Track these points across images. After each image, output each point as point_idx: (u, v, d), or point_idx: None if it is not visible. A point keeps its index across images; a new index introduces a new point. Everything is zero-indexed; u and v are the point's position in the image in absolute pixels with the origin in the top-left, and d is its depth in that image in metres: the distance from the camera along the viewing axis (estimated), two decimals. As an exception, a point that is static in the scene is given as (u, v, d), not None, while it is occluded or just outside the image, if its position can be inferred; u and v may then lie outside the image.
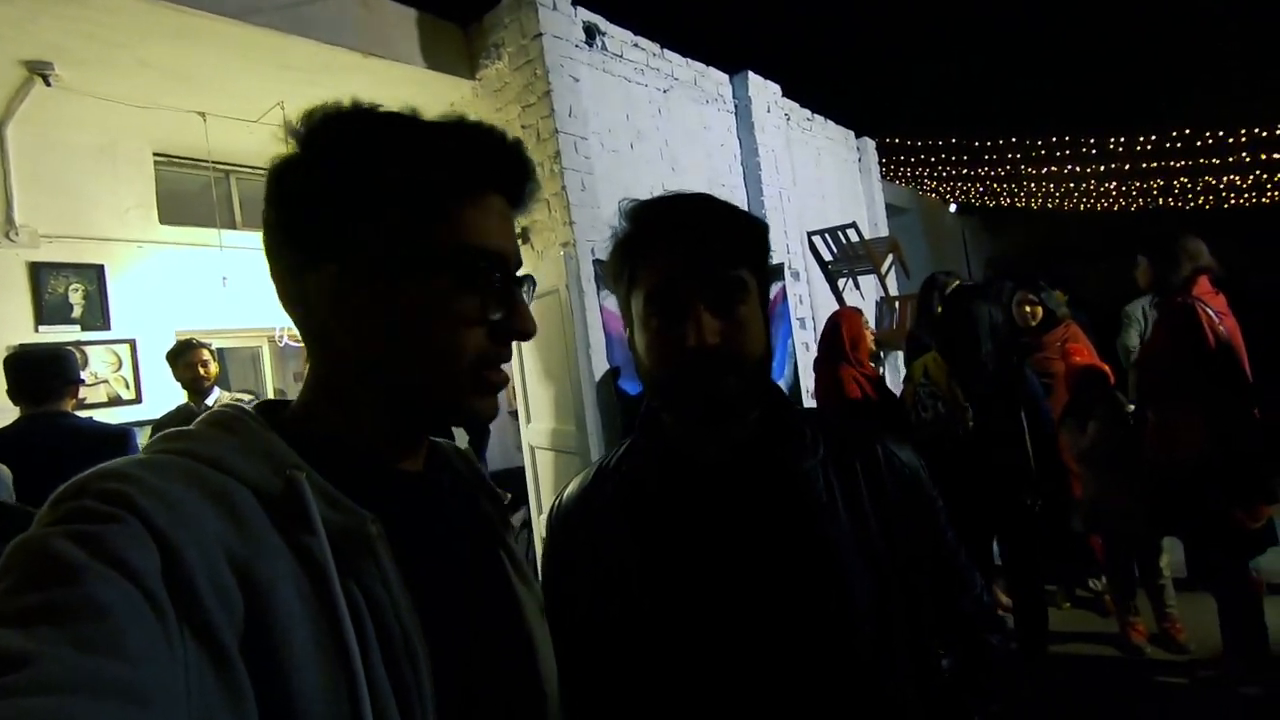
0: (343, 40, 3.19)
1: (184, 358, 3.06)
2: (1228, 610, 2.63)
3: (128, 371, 3.83)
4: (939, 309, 3.25)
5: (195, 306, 4.07)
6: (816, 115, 6.27)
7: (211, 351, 3.14)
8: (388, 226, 0.59)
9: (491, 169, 0.64)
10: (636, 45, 4.19)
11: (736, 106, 5.02)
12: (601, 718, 0.83)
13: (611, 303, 3.39)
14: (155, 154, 4.05)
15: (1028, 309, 3.50)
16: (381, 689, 0.49)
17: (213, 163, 4.15)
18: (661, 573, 0.81)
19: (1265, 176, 8.99)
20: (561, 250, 3.27)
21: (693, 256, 0.80)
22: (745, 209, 0.92)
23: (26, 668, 0.34)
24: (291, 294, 0.61)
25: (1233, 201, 9.85)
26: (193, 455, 0.50)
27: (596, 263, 3.34)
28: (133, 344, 3.85)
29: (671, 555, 0.81)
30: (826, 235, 5.71)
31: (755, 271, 0.85)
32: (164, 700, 0.37)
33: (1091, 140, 8.74)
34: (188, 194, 4.27)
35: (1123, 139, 8.67)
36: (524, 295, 0.66)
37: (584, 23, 3.77)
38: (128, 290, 3.85)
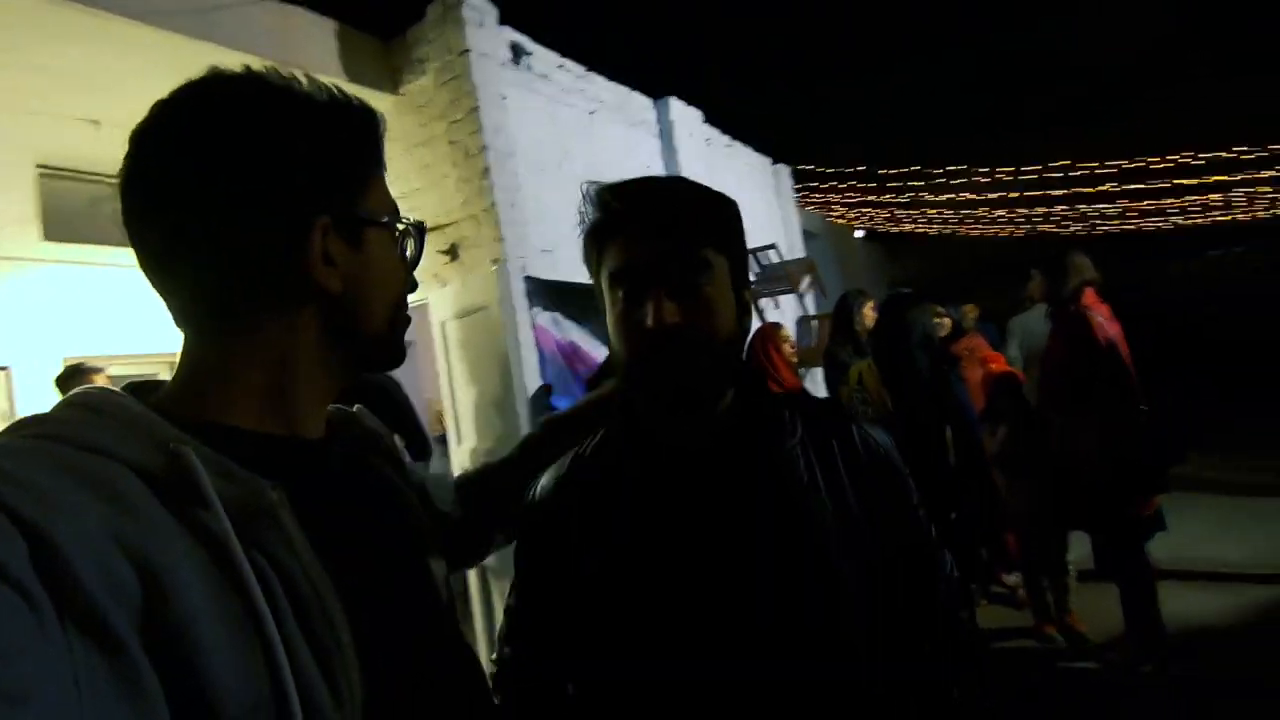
0: (253, 47, 3.06)
1: (74, 383, 2.79)
2: (1128, 597, 2.83)
3: (2, 401, 3.47)
4: (868, 321, 3.41)
5: (86, 330, 3.74)
6: (736, 141, 6.50)
7: (108, 377, 2.88)
8: (343, 179, 0.62)
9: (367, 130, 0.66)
10: (562, 67, 4.22)
11: (661, 131, 5.13)
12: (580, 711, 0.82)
13: (545, 319, 3.36)
14: (39, 165, 3.73)
15: (937, 321, 3.73)
16: (301, 656, 0.48)
17: (106, 175, 3.86)
18: (645, 563, 0.80)
19: (1128, 204, 10.02)
20: (493, 267, 3.22)
21: (652, 237, 0.80)
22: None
23: None
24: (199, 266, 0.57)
25: (1100, 229, 10.90)
26: (58, 439, 0.47)
27: (528, 280, 3.31)
28: (7, 371, 3.49)
29: (654, 544, 0.80)
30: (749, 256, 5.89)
31: (723, 250, 0.83)
32: (44, 695, 0.36)
33: (984, 170, 9.47)
34: (77, 209, 3.94)
35: (1009, 170, 9.45)
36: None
37: (510, 42, 3.77)
38: (2, 313, 3.50)
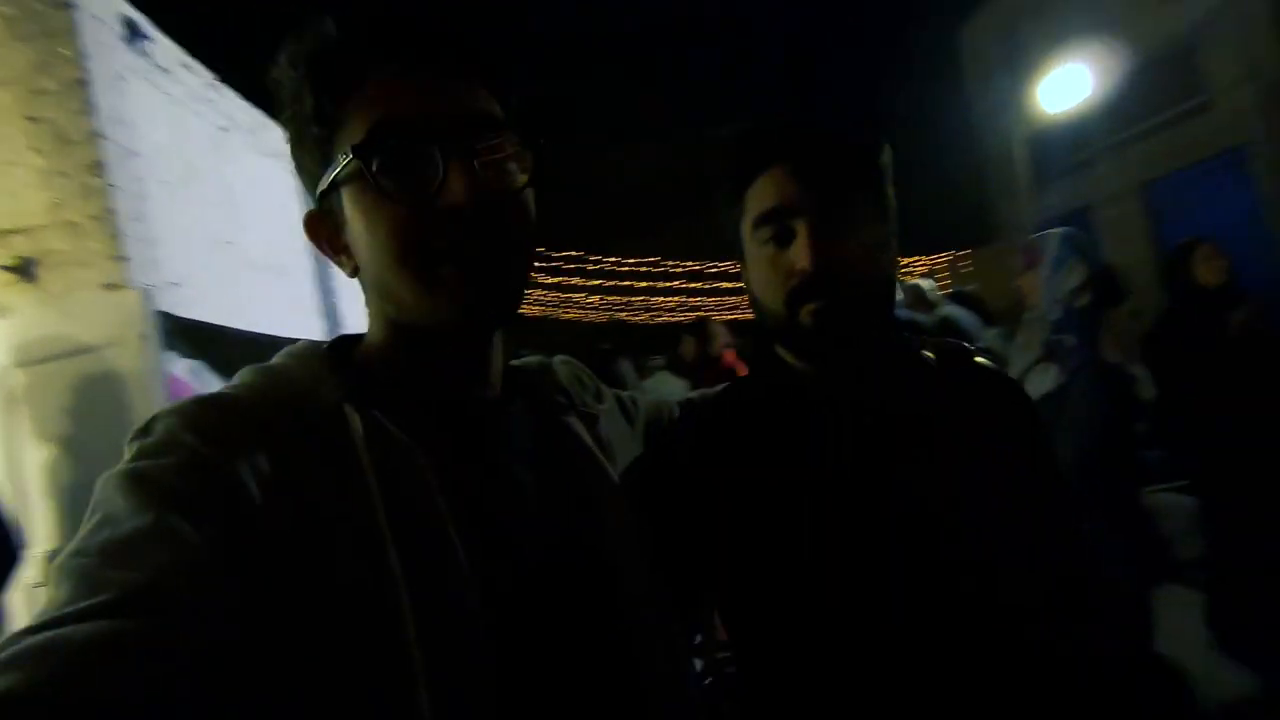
0: None
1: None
2: None
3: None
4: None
5: None
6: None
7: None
8: (311, 149, 0.60)
9: (359, 38, 0.58)
10: (188, 68, 3.43)
11: (301, 168, 4.51)
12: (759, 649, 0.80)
13: (182, 369, 2.55)
14: None
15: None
16: (422, 605, 0.51)
17: None
18: (816, 505, 0.76)
19: (694, 300, 12.66)
20: (109, 295, 2.34)
21: (803, 172, 0.75)
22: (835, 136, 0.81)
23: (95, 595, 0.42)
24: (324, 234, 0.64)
25: (667, 318, 13.45)
26: (258, 388, 0.57)
27: (161, 316, 2.49)
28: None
29: (827, 487, 0.76)
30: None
31: (876, 191, 0.80)
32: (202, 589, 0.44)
33: (582, 255, 10.86)
34: None
35: (602, 260, 11.04)
36: (471, 157, 0.57)
37: (123, 15, 2.92)
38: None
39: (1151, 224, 8.41)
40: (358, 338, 0.67)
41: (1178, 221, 7.58)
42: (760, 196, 0.79)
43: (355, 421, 0.56)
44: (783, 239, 0.77)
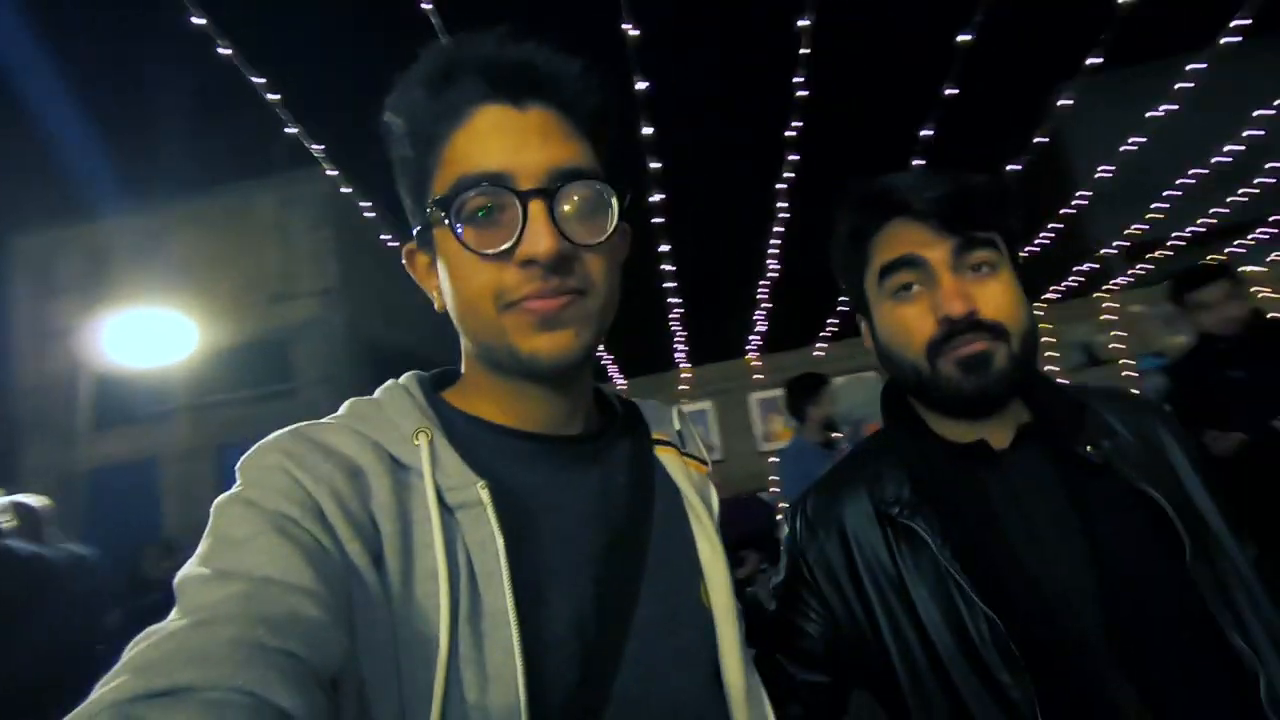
0: None
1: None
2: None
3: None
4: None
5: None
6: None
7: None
8: (411, 193, 0.65)
9: (456, 83, 0.61)
10: None
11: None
12: None
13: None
14: None
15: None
16: (467, 658, 0.55)
17: None
18: (991, 576, 0.73)
19: None
20: None
21: (938, 216, 0.74)
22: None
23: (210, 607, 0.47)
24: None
25: None
26: (343, 423, 0.62)
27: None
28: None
29: (998, 557, 0.74)
30: None
31: (1005, 236, 0.78)
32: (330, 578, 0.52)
33: None
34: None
35: None
36: (556, 207, 0.59)
37: None
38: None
39: (220, 482, 8.31)
40: (456, 373, 0.72)
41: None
42: (889, 244, 0.78)
43: (425, 451, 0.60)
44: (912, 289, 0.76)
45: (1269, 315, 2.66)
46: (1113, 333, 6.53)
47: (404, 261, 0.70)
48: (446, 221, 0.59)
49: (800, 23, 3.27)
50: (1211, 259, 3.30)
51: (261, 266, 8.49)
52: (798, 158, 4.36)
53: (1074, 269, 6.95)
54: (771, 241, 5.81)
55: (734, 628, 0.68)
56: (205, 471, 8.31)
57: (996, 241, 0.76)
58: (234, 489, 0.56)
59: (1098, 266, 6.95)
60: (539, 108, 0.61)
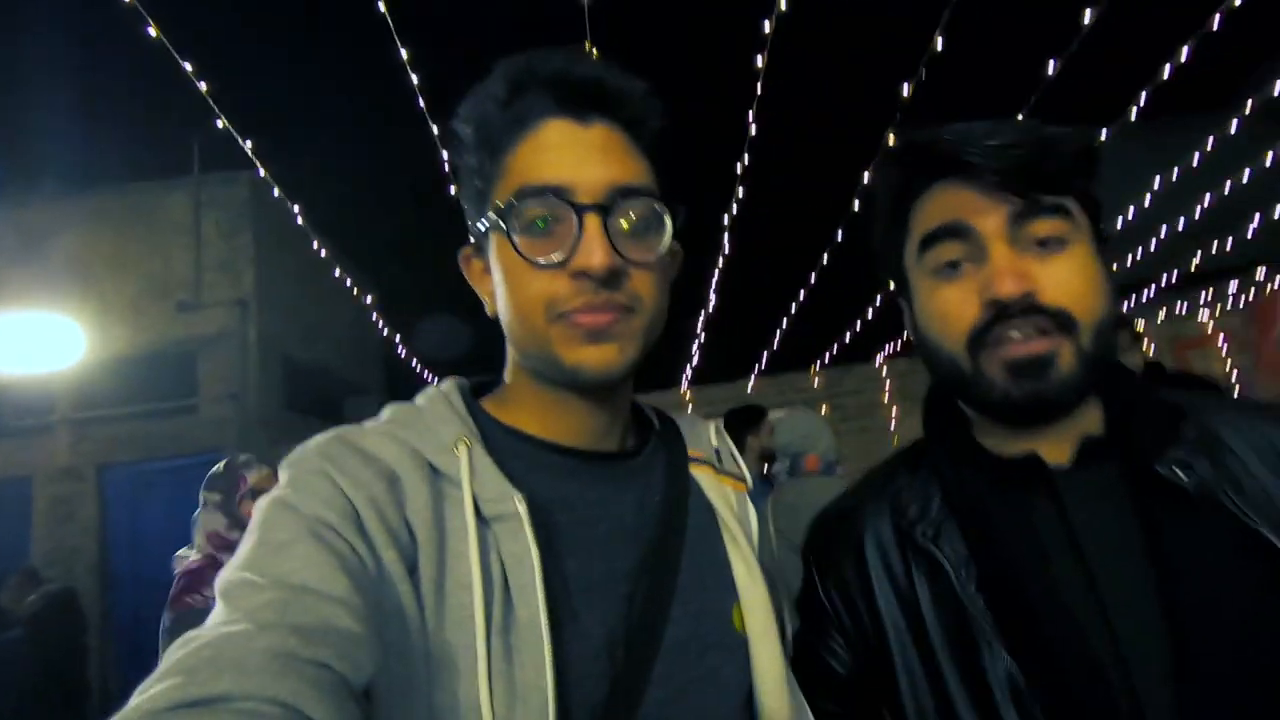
0: None
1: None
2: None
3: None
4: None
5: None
6: None
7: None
8: (472, 200, 0.66)
9: (525, 95, 0.62)
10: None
11: None
12: None
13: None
14: None
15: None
16: (498, 670, 0.54)
17: None
18: (1023, 621, 0.60)
19: None
20: None
21: (1000, 179, 0.58)
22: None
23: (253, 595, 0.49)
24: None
25: None
26: (386, 429, 0.63)
27: None
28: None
29: (1034, 598, 0.60)
30: None
31: (1084, 203, 0.62)
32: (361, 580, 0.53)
33: None
34: None
35: None
36: (611, 223, 0.60)
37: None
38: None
39: (102, 504, 7.61)
40: (496, 381, 0.72)
41: (135, 505, 7.20)
42: (933, 209, 0.64)
43: (464, 461, 0.60)
44: (960, 267, 0.63)
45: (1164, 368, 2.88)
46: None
47: (460, 264, 0.72)
48: (504, 228, 0.60)
49: (757, 63, 3.35)
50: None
51: (169, 272, 7.89)
52: (743, 193, 4.45)
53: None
54: (713, 276, 5.90)
55: (773, 652, 0.66)
56: (84, 492, 7.53)
57: (1070, 209, 0.61)
58: (277, 490, 0.57)
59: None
60: (602, 124, 0.62)
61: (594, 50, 3.38)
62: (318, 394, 8.89)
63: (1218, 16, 3.38)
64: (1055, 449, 0.65)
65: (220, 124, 3.32)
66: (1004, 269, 0.59)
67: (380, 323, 5.75)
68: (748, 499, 0.76)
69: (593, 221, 0.59)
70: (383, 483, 0.57)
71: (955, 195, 0.63)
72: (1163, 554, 0.59)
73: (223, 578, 0.52)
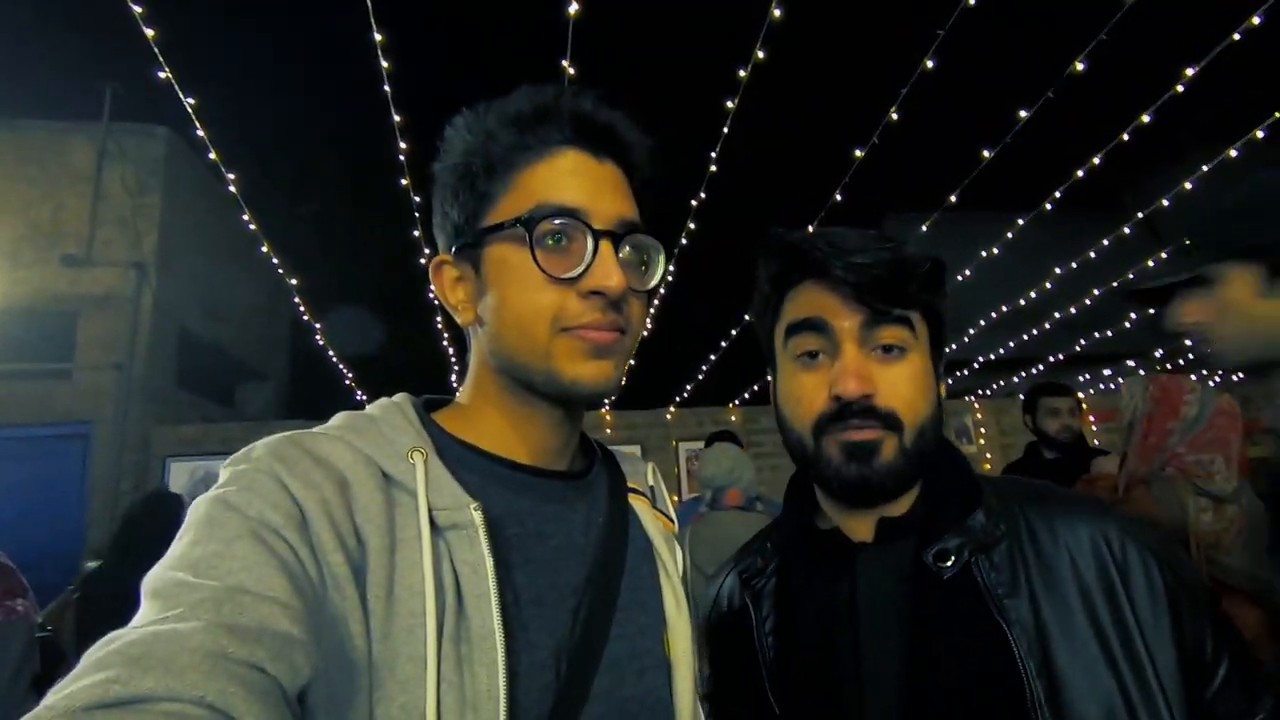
0: None
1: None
2: None
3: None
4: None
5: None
6: None
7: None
8: (462, 212, 0.67)
9: (546, 124, 0.65)
10: None
11: None
12: None
13: None
14: None
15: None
16: (449, 679, 0.54)
17: None
18: (794, 672, 0.71)
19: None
20: None
21: (859, 286, 0.67)
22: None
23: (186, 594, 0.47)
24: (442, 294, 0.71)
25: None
26: (340, 435, 0.62)
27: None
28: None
29: (808, 654, 0.71)
30: None
31: (926, 316, 0.72)
32: (306, 589, 0.52)
33: None
34: None
35: None
36: (621, 252, 0.64)
37: None
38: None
39: None
40: (447, 400, 0.74)
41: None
42: (800, 303, 0.73)
43: (419, 469, 0.61)
44: (820, 355, 0.71)
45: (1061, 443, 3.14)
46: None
47: (431, 270, 0.71)
48: (524, 239, 0.62)
49: (727, 104, 3.46)
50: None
51: (58, 222, 7.18)
52: (694, 226, 4.56)
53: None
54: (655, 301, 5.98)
55: (690, 682, 0.70)
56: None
57: (912, 321, 0.70)
58: (217, 489, 0.55)
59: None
60: (611, 164, 0.68)
61: (572, 69, 3.40)
62: (212, 373, 8.29)
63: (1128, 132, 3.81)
64: (861, 526, 0.75)
65: (163, 75, 3.09)
66: (849, 370, 0.68)
67: (302, 311, 5.44)
68: (674, 539, 0.80)
69: (606, 246, 0.63)
70: (333, 486, 0.57)
71: (820, 295, 0.72)
72: (916, 625, 0.67)
73: (153, 575, 0.50)
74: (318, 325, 5.61)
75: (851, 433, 0.68)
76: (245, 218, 4.08)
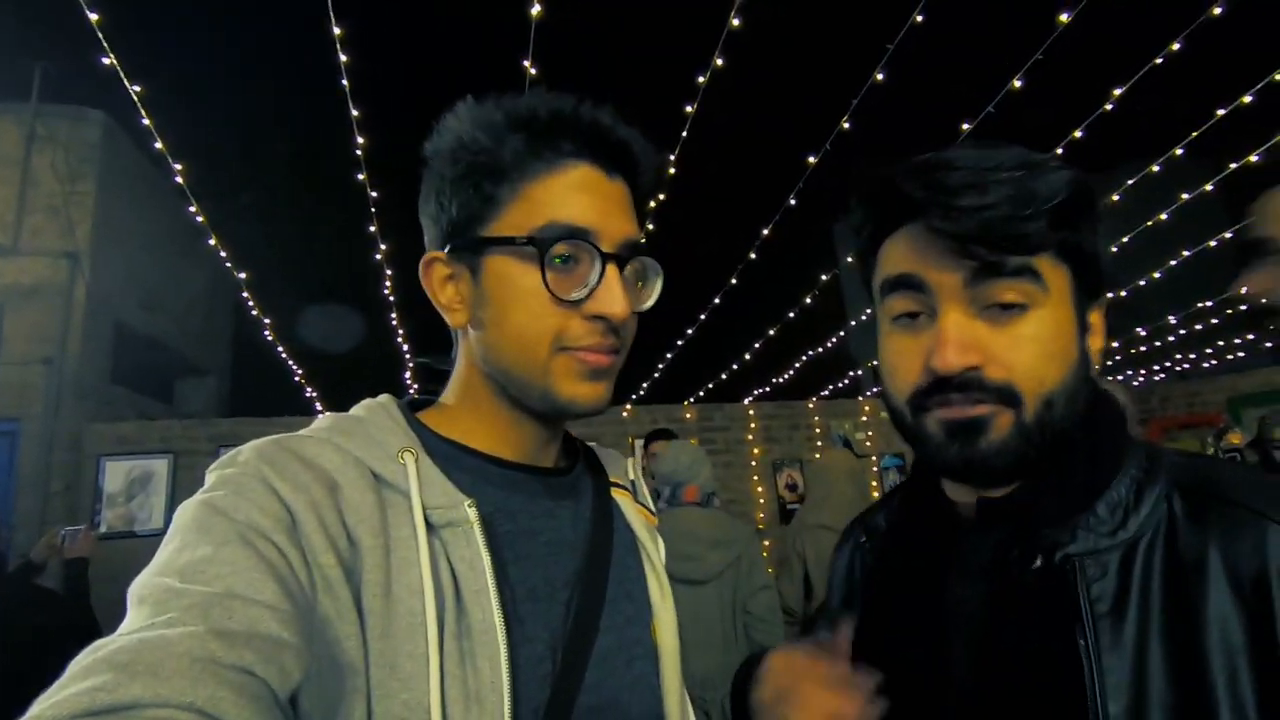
0: None
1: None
2: None
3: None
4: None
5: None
6: None
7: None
8: (461, 211, 0.66)
9: (561, 135, 0.64)
10: None
11: None
12: None
13: None
14: None
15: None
16: (452, 674, 0.55)
17: None
18: (872, 651, 0.66)
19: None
20: None
21: (955, 235, 0.54)
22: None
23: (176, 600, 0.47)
24: (432, 293, 0.70)
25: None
26: (328, 437, 0.62)
27: None
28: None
29: (890, 634, 0.67)
30: None
31: (1068, 260, 0.59)
32: (294, 590, 0.52)
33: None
34: None
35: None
36: (624, 274, 0.65)
37: None
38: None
39: None
40: (430, 400, 0.75)
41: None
42: (895, 256, 0.62)
43: (411, 469, 0.61)
44: (917, 320, 0.61)
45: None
46: (869, 431, 7.60)
47: (421, 268, 0.70)
48: (535, 256, 0.62)
49: (686, 108, 3.53)
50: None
51: (-18, 207, 6.80)
52: (652, 225, 4.61)
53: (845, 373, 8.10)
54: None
55: (675, 669, 0.73)
56: None
57: (1037, 270, 0.57)
58: (204, 493, 0.55)
59: (859, 374, 8.27)
60: (620, 181, 0.68)
61: (534, 69, 3.42)
62: (150, 369, 7.96)
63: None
64: (970, 504, 0.67)
65: (106, 61, 2.98)
66: (948, 340, 0.57)
67: (250, 305, 5.29)
68: (655, 531, 0.82)
69: (613, 270, 0.64)
70: (322, 488, 0.57)
71: (917, 245, 0.60)
72: (990, 631, 0.61)
73: (140, 582, 0.50)
74: (266, 320, 5.45)
75: (954, 409, 0.58)
76: (193, 209, 3.95)
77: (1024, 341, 0.57)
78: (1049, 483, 0.61)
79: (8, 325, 6.58)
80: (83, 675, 0.42)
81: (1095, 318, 0.63)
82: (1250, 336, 7.66)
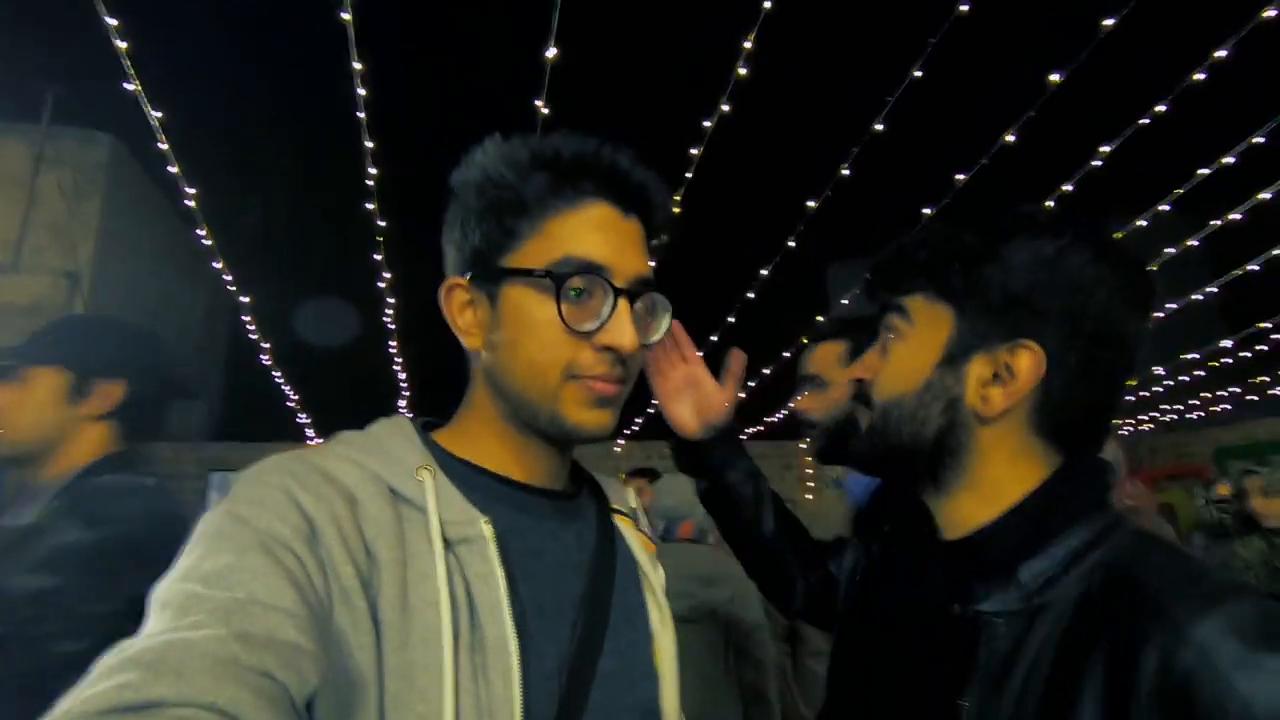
0: None
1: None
2: None
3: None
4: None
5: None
6: None
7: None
8: (484, 241, 0.69)
9: (582, 176, 0.68)
10: None
11: None
12: None
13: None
14: None
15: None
16: (465, 688, 0.57)
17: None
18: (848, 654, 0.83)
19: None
20: None
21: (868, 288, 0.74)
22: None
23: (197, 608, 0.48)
24: (450, 316, 0.73)
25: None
26: (347, 454, 0.65)
27: None
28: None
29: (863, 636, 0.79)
30: None
31: (951, 301, 0.66)
32: (313, 599, 0.54)
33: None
34: None
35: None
36: (635, 309, 0.68)
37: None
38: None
39: None
40: (442, 421, 0.76)
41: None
42: None
43: (429, 485, 0.64)
44: None
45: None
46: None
47: (442, 293, 0.73)
48: (551, 289, 0.65)
49: (691, 150, 3.64)
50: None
51: (-15, 225, 6.82)
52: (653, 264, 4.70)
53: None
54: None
55: (675, 692, 0.75)
56: None
57: (905, 307, 0.70)
58: (226, 503, 0.57)
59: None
60: (635, 221, 0.71)
61: (546, 109, 3.53)
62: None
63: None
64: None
65: (131, 88, 3.06)
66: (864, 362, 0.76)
67: (250, 328, 5.30)
68: (655, 559, 0.84)
69: (624, 305, 0.67)
70: (343, 501, 0.59)
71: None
72: (922, 648, 0.69)
73: (163, 588, 0.51)
74: (266, 345, 5.46)
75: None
76: (201, 232, 4.00)
77: (887, 362, 0.72)
78: (997, 533, 0.62)
79: (3, 343, 6.53)
80: (109, 673, 0.43)
81: (1000, 358, 0.63)
82: (1235, 389, 7.78)
